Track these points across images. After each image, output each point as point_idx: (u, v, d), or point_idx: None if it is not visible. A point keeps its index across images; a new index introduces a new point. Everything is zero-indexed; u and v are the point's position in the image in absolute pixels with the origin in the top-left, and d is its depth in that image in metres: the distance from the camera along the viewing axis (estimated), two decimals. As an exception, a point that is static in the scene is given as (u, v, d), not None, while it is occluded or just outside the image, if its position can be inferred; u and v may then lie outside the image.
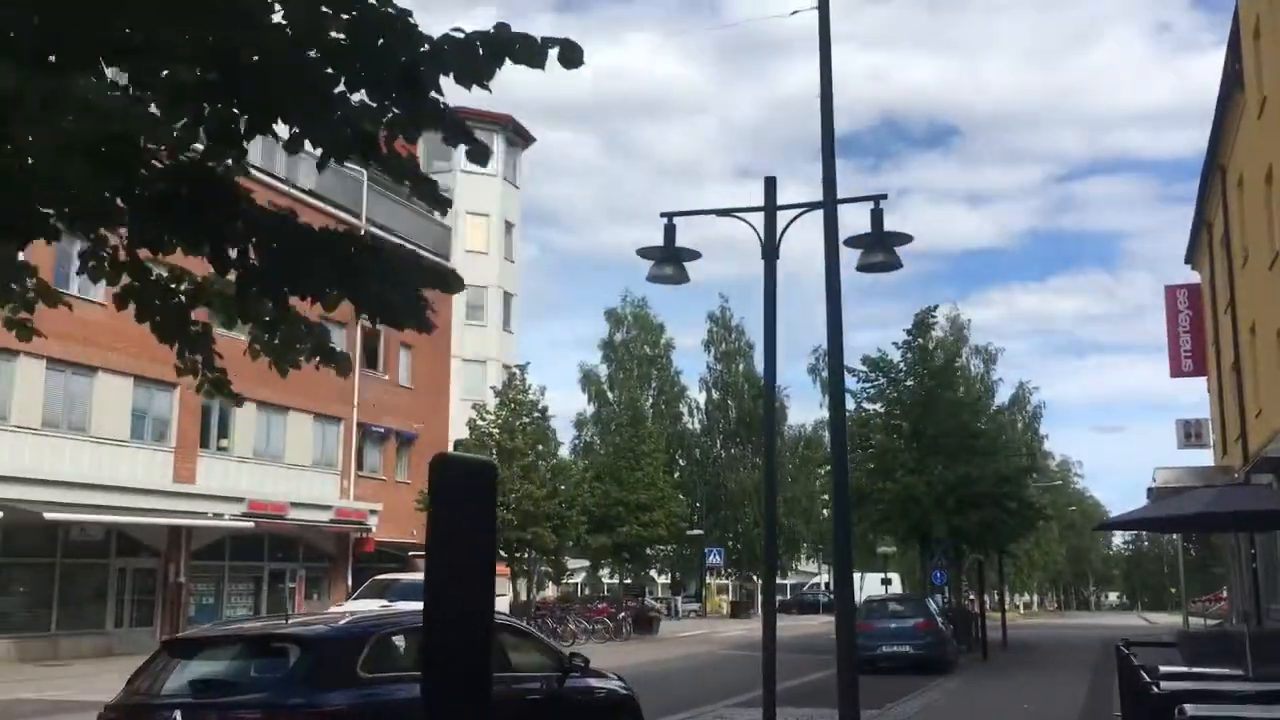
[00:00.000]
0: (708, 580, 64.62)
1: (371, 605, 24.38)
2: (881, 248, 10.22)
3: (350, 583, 34.04)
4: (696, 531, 50.21)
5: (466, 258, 43.23)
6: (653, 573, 58.81)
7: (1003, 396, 59.42)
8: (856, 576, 51.00)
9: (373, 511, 35.09)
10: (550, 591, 51.77)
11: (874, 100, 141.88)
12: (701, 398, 58.61)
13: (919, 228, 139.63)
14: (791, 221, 10.60)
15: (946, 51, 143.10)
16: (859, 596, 34.83)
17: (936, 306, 28.80)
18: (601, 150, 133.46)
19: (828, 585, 72.55)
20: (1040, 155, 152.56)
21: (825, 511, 43.51)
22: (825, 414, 51.77)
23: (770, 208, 10.46)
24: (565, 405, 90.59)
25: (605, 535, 35.82)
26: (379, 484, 37.30)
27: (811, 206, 10.61)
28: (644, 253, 10.58)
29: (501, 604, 28.60)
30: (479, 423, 31.47)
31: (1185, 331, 37.23)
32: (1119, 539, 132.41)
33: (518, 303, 45.87)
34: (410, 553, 35.25)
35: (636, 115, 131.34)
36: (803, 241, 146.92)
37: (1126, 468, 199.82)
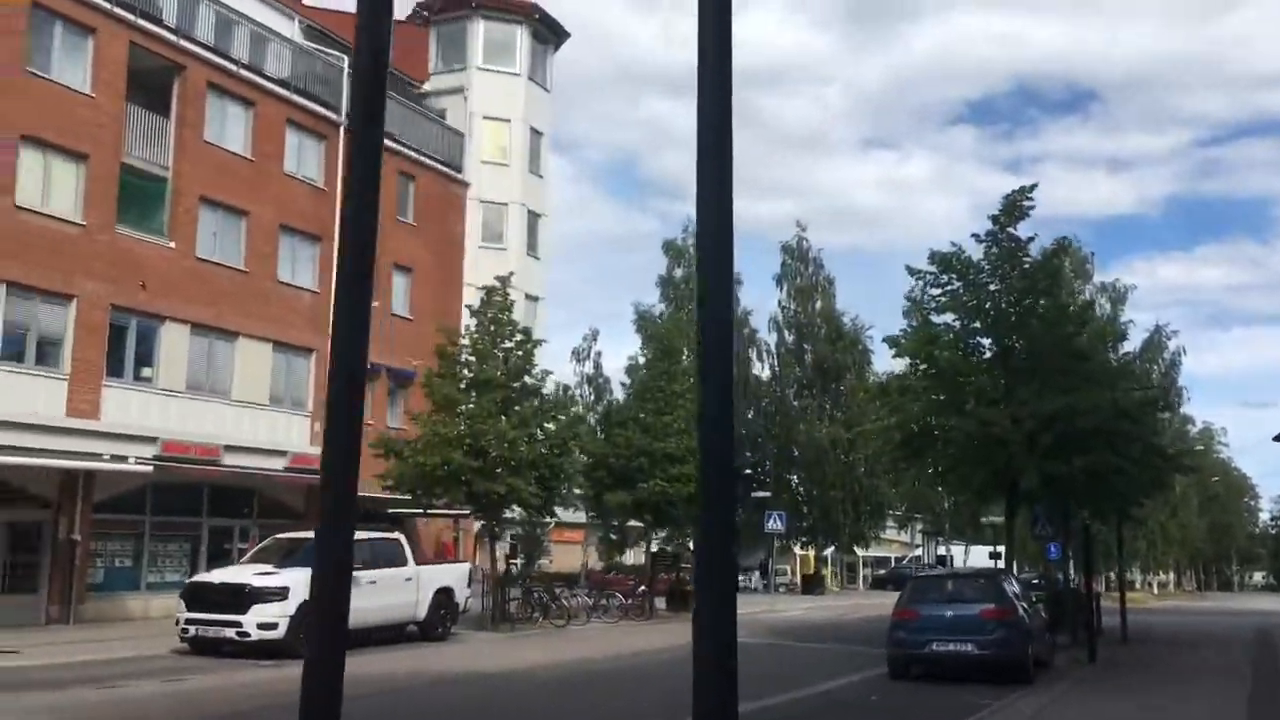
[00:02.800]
0: (790, 548, 57.79)
1: (245, 572, 18.66)
2: None
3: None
4: (763, 493, 43.44)
5: (483, 169, 37.19)
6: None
7: (1134, 344, 50.53)
8: (959, 550, 43.03)
9: (344, 459, 29.30)
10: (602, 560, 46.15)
11: (1006, 65, 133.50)
12: (772, 340, 51.57)
13: (1055, 196, 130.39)
14: None
15: (1082, 13, 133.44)
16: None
17: (1034, 185, 21.27)
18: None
19: (933, 559, 64.97)
20: (1183, 119, 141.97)
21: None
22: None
23: None
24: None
25: (625, 492, 29.40)
26: (365, 429, 31.50)
27: None
28: None
29: (458, 573, 22.51)
30: (450, 349, 25.28)
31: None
32: (1267, 513, 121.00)
33: (547, 224, 39.53)
34: (390, 509, 29.42)
35: (760, 85, 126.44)
36: (913, 203, 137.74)
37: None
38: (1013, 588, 16.44)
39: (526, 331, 25.57)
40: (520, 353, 25.40)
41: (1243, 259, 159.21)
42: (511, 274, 26.67)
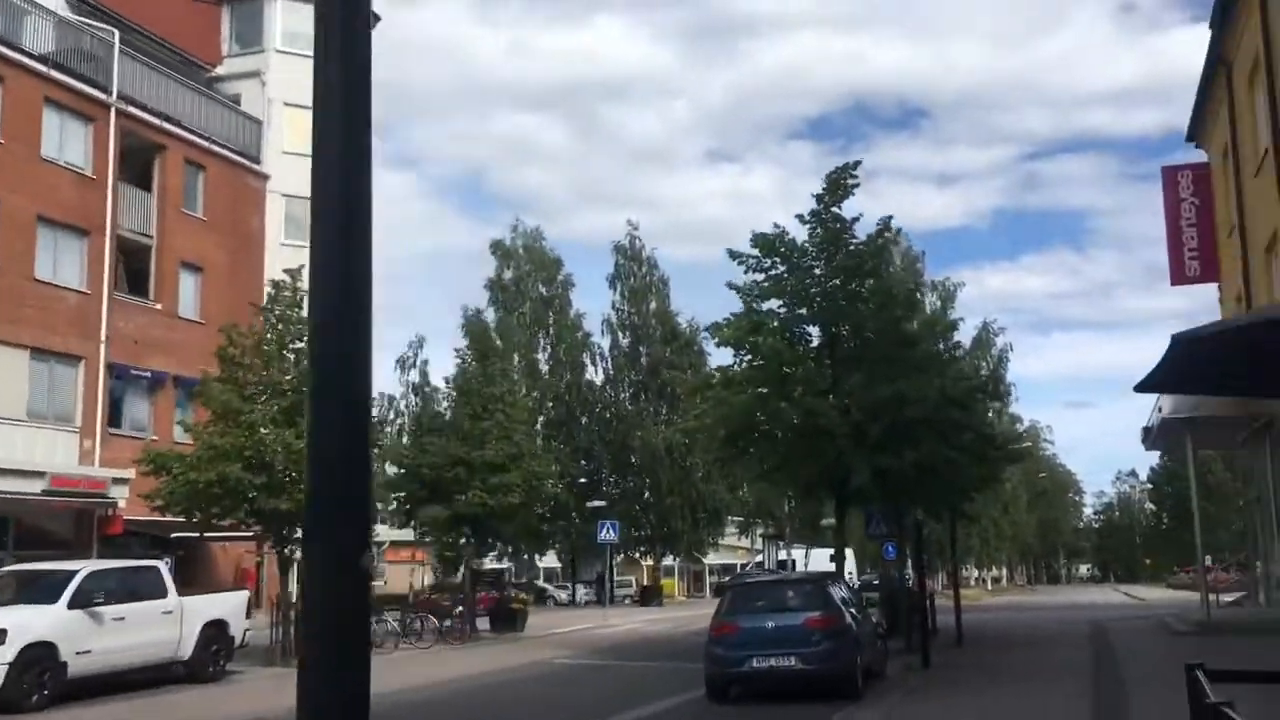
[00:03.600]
0: (636, 559, 56.16)
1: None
2: None
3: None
4: (598, 502, 41.53)
5: (284, 160, 34.20)
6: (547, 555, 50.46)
7: (964, 338, 50.79)
8: (799, 554, 41.44)
9: (117, 480, 26.12)
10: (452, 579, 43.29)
11: (846, 83, 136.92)
12: (606, 343, 49.88)
13: (887, 209, 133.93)
14: None
15: (917, 34, 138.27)
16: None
17: (858, 163, 20.03)
18: (572, 135, 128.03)
19: (774, 564, 64.34)
20: (1008, 135, 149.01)
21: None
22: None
23: None
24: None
25: (441, 505, 27.05)
26: (142, 443, 28.24)
27: None
28: None
29: (233, 603, 19.77)
30: (230, 350, 22.53)
31: (1190, 225, 28.93)
32: (1090, 508, 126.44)
33: (358, 222, 36.73)
34: (173, 534, 26.25)
35: (605, 98, 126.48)
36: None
37: (1099, 444, 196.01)
38: (840, 593, 14.91)
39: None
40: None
41: (1062, 268, 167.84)
42: (302, 266, 23.96)
